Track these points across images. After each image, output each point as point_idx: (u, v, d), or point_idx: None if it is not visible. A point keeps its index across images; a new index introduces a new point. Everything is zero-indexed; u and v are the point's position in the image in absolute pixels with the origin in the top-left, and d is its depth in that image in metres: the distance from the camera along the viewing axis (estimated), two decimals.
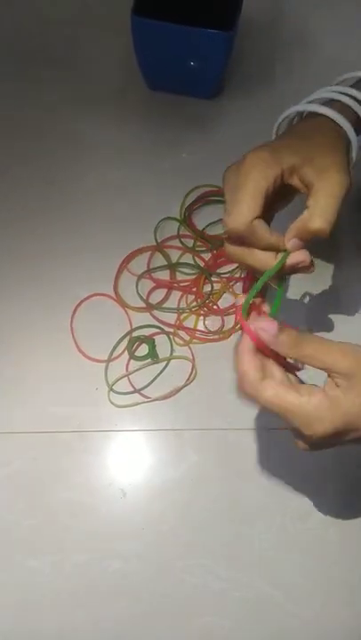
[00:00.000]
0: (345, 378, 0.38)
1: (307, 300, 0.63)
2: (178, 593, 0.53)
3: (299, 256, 0.44)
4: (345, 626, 0.52)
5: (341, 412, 0.37)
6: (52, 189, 0.67)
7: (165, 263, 0.64)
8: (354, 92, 0.49)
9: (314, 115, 0.48)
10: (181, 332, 0.61)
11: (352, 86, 0.50)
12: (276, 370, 0.40)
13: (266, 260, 0.44)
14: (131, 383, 0.59)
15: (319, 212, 0.42)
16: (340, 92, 0.49)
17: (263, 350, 0.39)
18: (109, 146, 0.70)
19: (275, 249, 0.44)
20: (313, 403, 0.37)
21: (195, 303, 0.62)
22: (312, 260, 0.44)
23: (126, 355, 0.60)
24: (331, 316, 0.62)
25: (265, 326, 0.39)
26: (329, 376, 0.39)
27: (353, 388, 0.37)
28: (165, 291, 0.63)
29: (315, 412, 0.37)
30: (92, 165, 0.69)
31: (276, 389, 0.38)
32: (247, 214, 0.42)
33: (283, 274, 0.45)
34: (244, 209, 0.42)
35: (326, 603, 0.53)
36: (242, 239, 0.44)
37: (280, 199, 0.46)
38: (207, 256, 0.65)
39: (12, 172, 0.68)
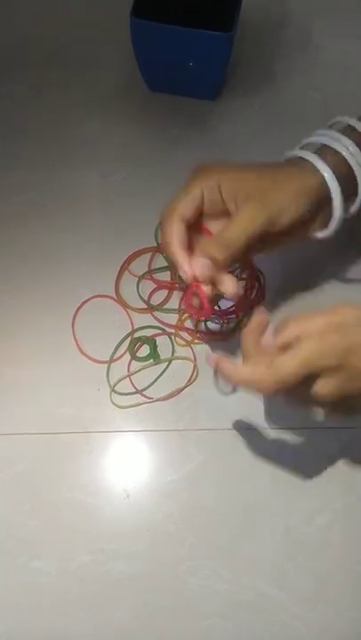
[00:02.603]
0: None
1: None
2: (181, 594, 0.52)
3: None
4: (350, 628, 0.52)
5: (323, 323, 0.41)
6: (52, 190, 0.68)
7: (166, 264, 0.64)
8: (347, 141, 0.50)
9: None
10: (183, 333, 0.61)
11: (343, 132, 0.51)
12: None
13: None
14: (133, 384, 0.59)
15: (216, 241, 0.47)
16: (336, 140, 0.50)
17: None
18: (110, 147, 0.70)
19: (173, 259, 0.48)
20: (314, 341, 0.40)
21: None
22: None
23: (128, 355, 0.60)
24: None
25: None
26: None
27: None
28: (166, 292, 0.63)
29: (322, 346, 0.40)
30: (93, 166, 0.69)
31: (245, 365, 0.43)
32: (177, 204, 0.48)
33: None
34: (177, 200, 0.48)
35: (330, 605, 0.53)
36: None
37: (259, 245, 0.49)
38: None
39: (13, 173, 0.68)
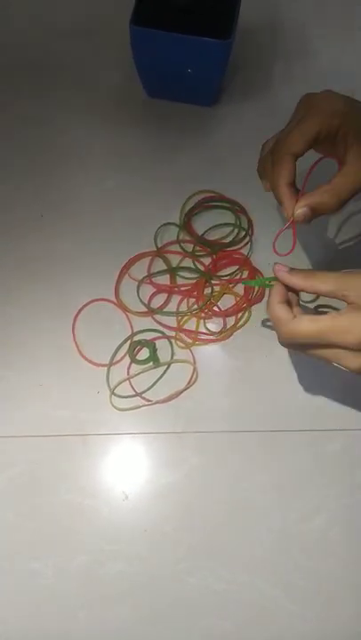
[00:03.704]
0: (356, 297, 0.41)
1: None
2: (180, 594, 0.53)
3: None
4: (347, 627, 0.53)
5: None
6: (53, 196, 0.68)
7: (166, 268, 0.65)
8: None
9: None
10: (182, 336, 0.62)
11: None
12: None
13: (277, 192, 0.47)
14: (132, 387, 0.60)
15: (335, 189, 0.45)
16: None
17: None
18: (110, 153, 0.71)
19: (280, 201, 0.47)
20: (345, 316, 0.41)
21: (196, 306, 0.63)
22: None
23: (127, 359, 0.61)
24: None
25: (278, 268, 0.46)
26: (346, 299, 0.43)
27: None
28: (166, 295, 0.64)
29: (349, 322, 0.41)
30: (93, 172, 0.70)
31: (308, 319, 0.43)
32: (292, 141, 0.46)
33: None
34: (291, 136, 0.46)
35: (329, 603, 0.53)
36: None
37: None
38: (207, 260, 0.65)
39: (13, 180, 0.69)
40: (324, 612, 0.53)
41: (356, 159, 0.45)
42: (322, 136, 0.46)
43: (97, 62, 0.77)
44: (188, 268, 0.65)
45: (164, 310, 0.63)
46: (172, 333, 0.62)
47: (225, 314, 0.63)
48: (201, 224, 0.67)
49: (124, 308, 0.63)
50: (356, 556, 0.54)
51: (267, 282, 0.50)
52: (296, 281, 0.45)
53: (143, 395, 0.59)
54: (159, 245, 0.66)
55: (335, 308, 0.62)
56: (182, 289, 0.64)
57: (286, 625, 0.52)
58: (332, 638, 0.53)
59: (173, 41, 0.63)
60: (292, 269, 0.46)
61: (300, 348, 0.46)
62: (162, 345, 0.62)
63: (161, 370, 0.61)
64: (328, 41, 0.79)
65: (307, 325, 0.43)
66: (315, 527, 0.55)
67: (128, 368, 0.61)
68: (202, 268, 0.65)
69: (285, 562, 0.54)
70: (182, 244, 0.66)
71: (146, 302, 0.63)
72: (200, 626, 0.52)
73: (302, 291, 0.46)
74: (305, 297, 0.63)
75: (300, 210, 0.46)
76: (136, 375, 0.60)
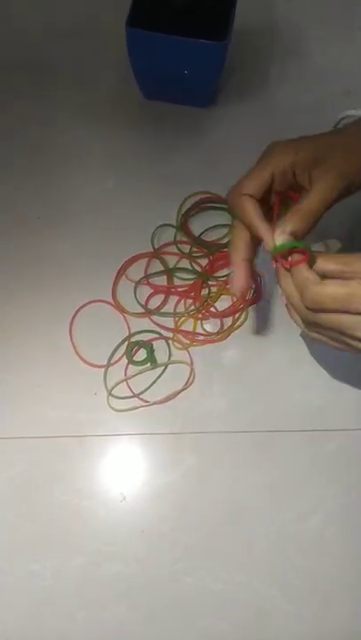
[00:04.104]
0: None
1: None
2: (177, 595, 0.53)
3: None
4: (344, 626, 0.53)
5: None
6: (50, 197, 0.69)
7: (163, 269, 0.65)
8: None
9: None
10: (180, 337, 0.62)
11: None
12: None
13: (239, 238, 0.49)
14: (130, 388, 0.60)
15: (297, 213, 0.45)
16: None
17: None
18: (107, 154, 0.71)
19: (254, 234, 0.47)
20: None
21: (193, 307, 0.63)
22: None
23: (125, 360, 0.61)
24: None
25: (297, 258, 0.45)
26: None
27: None
28: (163, 296, 0.64)
29: None
30: (90, 174, 0.70)
31: (336, 282, 0.42)
32: (244, 185, 0.48)
33: None
34: (244, 181, 0.48)
35: (325, 603, 0.53)
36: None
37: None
38: (204, 261, 0.65)
39: (10, 181, 0.69)
40: (320, 611, 0.53)
41: (318, 182, 0.46)
42: (278, 178, 0.48)
43: (96, 63, 0.77)
44: (185, 269, 0.65)
45: (162, 311, 0.63)
46: (170, 334, 0.62)
47: (222, 314, 0.63)
48: (198, 225, 0.67)
49: (122, 309, 0.63)
50: (352, 556, 0.55)
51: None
52: (334, 267, 0.44)
53: (140, 396, 0.60)
54: (156, 246, 0.66)
55: None
56: (179, 290, 0.64)
57: (283, 625, 0.53)
58: (329, 638, 0.53)
59: (169, 43, 0.63)
60: (319, 255, 0.45)
61: (317, 318, 0.44)
62: (159, 346, 0.62)
63: (158, 371, 0.61)
64: (324, 42, 0.80)
65: (335, 288, 0.42)
66: (311, 527, 0.55)
67: (125, 369, 0.61)
68: (199, 268, 0.65)
69: (282, 562, 0.54)
70: (179, 245, 0.66)
71: (143, 303, 0.63)
72: (197, 626, 0.52)
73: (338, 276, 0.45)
74: None
75: (281, 238, 0.46)
76: (133, 376, 0.60)
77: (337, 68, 0.77)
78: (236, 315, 0.63)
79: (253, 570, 0.54)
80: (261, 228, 0.47)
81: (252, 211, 0.47)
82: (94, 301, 0.63)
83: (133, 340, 0.62)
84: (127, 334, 0.62)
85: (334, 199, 0.46)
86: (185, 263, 0.66)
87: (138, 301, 0.63)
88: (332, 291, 0.42)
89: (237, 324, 0.63)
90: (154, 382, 0.60)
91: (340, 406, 0.59)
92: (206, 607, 0.53)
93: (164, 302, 0.64)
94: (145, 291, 0.64)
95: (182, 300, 0.64)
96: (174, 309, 0.63)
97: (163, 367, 0.61)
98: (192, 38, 0.62)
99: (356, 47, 0.80)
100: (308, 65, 0.78)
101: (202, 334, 0.62)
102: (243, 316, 0.63)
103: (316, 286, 0.43)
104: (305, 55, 0.79)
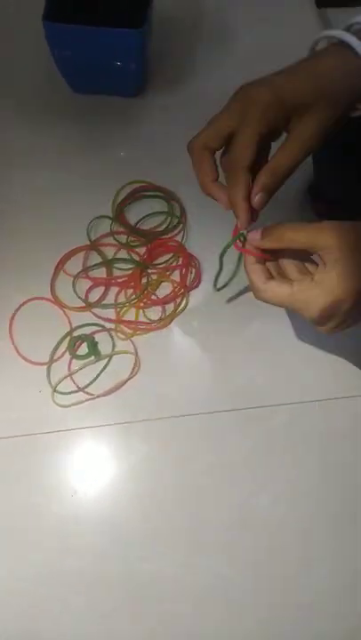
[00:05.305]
0: (327, 252, 0.41)
1: None
2: (135, 582, 0.53)
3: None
4: (299, 600, 0.53)
5: (327, 291, 0.41)
6: None
7: (101, 261, 0.65)
8: None
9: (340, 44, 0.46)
10: (122, 327, 0.62)
11: None
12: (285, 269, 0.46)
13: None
14: (74, 382, 0.60)
15: (268, 170, 0.45)
16: None
17: (266, 258, 0.45)
18: (38, 150, 0.71)
19: (238, 215, 0.46)
20: (302, 290, 0.42)
21: (134, 296, 0.63)
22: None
23: (68, 355, 0.61)
24: None
25: (251, 238, 0.45)
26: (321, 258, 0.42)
27: (335, 265, 0.40)
28: (103, 288, 0.64)
29: (305, 297, 0.42)
30: (22, 170, 0.69)
31: (272, 290, 0.44)
32: (200, 136, 0.46)
33: None
34: (201, 131, 0.47)
35: (283, 582, 0.54)
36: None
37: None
38: (142, 250, 0.65)
39: None
40: (278, 588, 0.53)
41: (296, 134, 0.45)
42: (264, 135, 0.45)
43: (18, 62, 0.76)
44: (123, 260, 0.65)
45: (103, 303, 0.63)
46: (112, 325, 0.62)
47: (163, 301, 0.63)
48: (134, 214, 0.67)
49: (61, 305, 0.63)
50: (304, 530, 0.55)
51: (240, 238, 0.47)
52: (270, 244, 0.44)
53: (86, 389, 0.59)
54: (93, 239, 0.66)
55: None
56: (119, 280, 0.64)
57: (240, 602, 0.53)
58: (284, 611, 0.53)
59: (86, 33, 0.63)
60: (263, 231, 0.44)
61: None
62: (102, 338, 0.62)
63: (103, 363, 0.61)
64: (248, 29, 0.80)
65: (270, 297, 0.44)
66: (263, 505, 0.56)
67: (69, 364, 0.60)
68: (137, 258, 0.65)
69: (240, 542, 0.54)
70: (116, 236, 0.66)
71: (83, 297, 0.63)
72: (157, 611, 0.52)
73: (279, 249, 0.45)
74: None
75: (258, 196, 0.45)
76: (78, 371, 0.60)
77: (262, 54, 0.77)
78: (177, 300, 0.63)
79: (211, 552, 0.54)
80: (244, 208, 0.45)
81: (243, 189, 0.45)
82: (33, 299, 0.63)
83: (75, 334, 0.61)
84: (69, 329, 0.62)
85: (313, 147, 0.45)
86: (123, 253, 0.65)
87: (77, 295, 0.63)
88: (270, 298, 0.44)
89: (179, 309, 0.63)
90: (98, 375, 0.60)
91: (281, 382, 0.60)
92: (165, 592, 0.53)
93: (105, 294, 0.64)
94: (84, 284, 0.64)
95: (123, 291, 0.64)
96: (115, 300, 0.63)
97: (107, 359, 0.61)
98: (108, 27, 0.62)
99: (286, 28, 0.79)
100: (233, 52, 0.78)
101: (144, 323, 0.62)
102: (184, 302, 0.63)
103: (258, 293, 0.45)
104: (230, 42, 0.79)
